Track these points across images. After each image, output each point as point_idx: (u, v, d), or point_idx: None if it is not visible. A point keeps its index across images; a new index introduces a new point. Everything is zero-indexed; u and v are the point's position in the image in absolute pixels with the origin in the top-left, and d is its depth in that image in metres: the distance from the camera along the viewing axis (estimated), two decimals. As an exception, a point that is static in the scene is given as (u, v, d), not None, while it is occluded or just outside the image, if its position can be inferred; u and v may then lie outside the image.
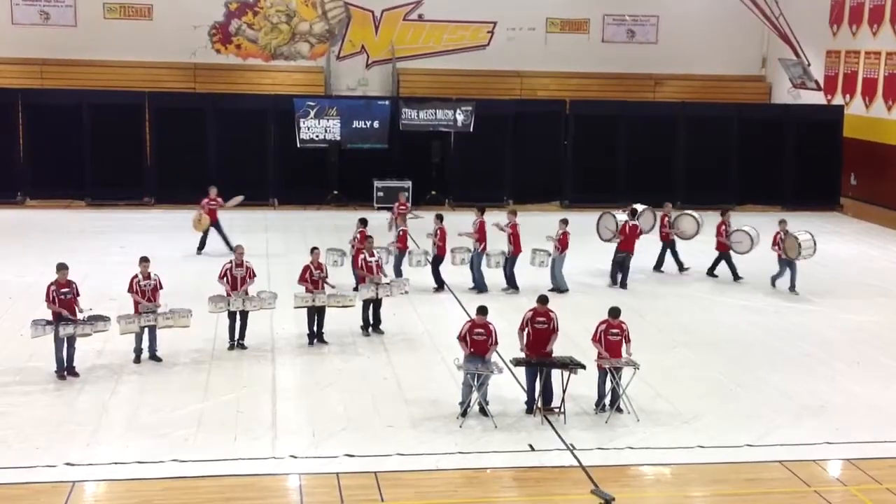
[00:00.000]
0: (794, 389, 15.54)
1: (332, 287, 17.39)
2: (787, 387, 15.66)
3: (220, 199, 23.40)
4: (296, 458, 12.62)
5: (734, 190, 31.62)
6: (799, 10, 33.43)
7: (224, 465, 12.35)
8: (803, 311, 19.92)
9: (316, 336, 17.04)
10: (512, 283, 20.51)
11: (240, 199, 23.91)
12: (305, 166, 30.03)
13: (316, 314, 16.98)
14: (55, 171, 29.09)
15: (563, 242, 20.54)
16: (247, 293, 16.74)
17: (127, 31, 34.06)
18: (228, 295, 16.63)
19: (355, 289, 18.36)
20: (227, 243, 22.44)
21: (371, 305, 17.68)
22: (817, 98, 34.25)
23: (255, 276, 17.03)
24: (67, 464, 12.22)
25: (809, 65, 33.17)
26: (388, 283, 17.94)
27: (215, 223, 23.18)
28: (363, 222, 19.83)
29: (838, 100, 34.00)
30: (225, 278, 16.70)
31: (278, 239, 24.75)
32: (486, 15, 36.19)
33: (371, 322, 17.73)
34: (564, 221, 20.87)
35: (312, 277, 16.95)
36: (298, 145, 29.86)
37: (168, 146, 29.78)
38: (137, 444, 12.81)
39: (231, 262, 16.85)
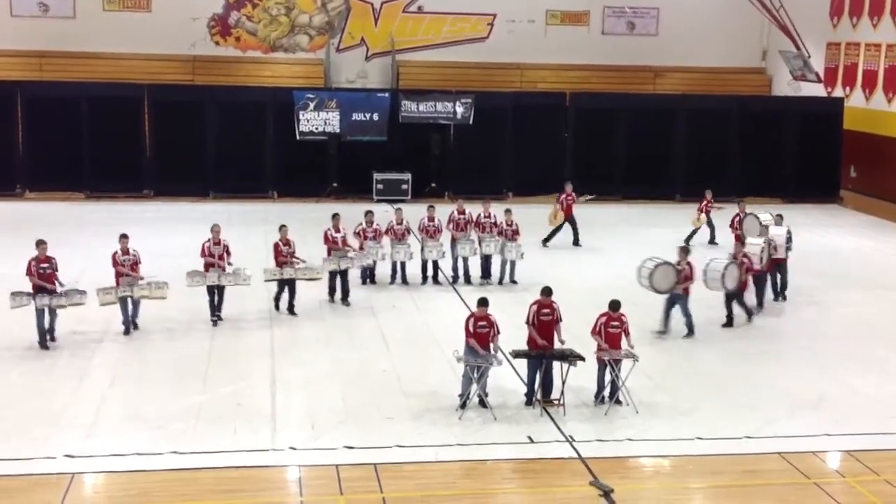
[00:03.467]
0: (793, 382, 15.55)
1: (303, 261, 18.29)
2: (786, 379, 15.67)
3: (574, 195, 24.23)
4: (295, 449, 12.63)
5: (734, 182, 31.55)
6: (799, 1, 33.35)
7: (223, 456, 12.35)
8: (802, 303, 19.91)
9: (287, 308, 18.16)
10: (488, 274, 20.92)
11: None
12: (305, 159, 29.99)
13: (287, 287, 18.04)
14: (54, 164, 29.06)
15: (517, 231, 20.81)
16: (223, 269, 17.59)
17: (126, 22, 33.98)
18: (206, 270, 17.53)
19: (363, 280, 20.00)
20: (577, 239, 24.25)
21: (338, 277, 18.87)
22: (817, 90, 34.19)
23: (230, 253, 17.86)
24: (67, 455, 12.23)
25: (810, 57, 33.11)
26: (351, 257, 19.06)
27: (570, 218, 24.15)
28: (370, 213, 20.36)
29: (838, 92, 33.95)
30: (205, 255, 17.68)
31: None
32: (485, 7, 36.12)
33: (341, 293, 18.95)
34: (510, 211, 21.15)
35: (282, 253, 18.21)
36: (298, 138, 29.82)
37: (167, 138, 29.74)
38: (136, 435, 12.81)
39: (209, 239, 17.78)
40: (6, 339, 16.31)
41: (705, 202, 24.75)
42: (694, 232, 24.55)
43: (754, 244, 18.97)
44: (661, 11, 36.91)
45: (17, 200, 28.55)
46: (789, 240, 19.71)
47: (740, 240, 19.58)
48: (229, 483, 11.75)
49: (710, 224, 24.63)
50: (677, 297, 17.35)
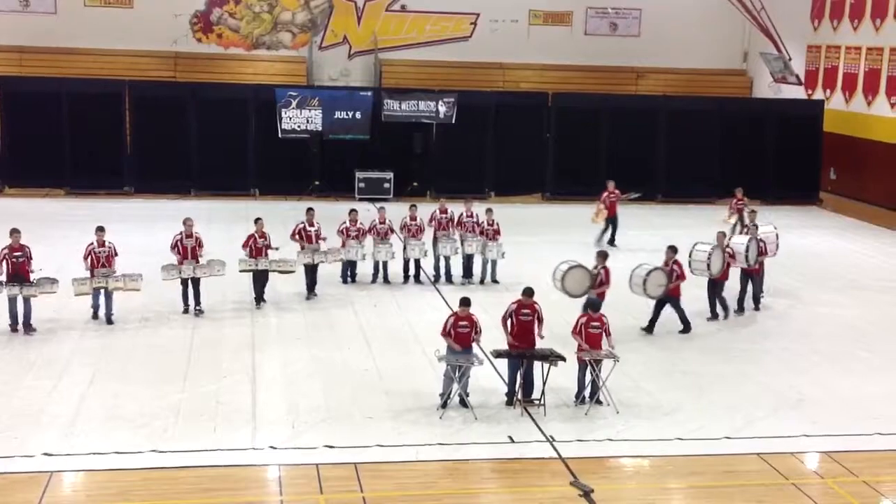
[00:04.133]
0: (772, 382, 15.63)
1: (275, 249, 18.78)
2: (766, 380, 15.75)
3: (618, 192, 24.34)
4: (275, 449, 12.60)
5: (714, 183, 31.71)
6: (780, 4, 33.56)
7: (203, 455, 12.32)
8: (782, 304, 20.02)
9: (258, 297, 18.62)
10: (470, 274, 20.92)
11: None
12: (287, 157, 29.94)
13: (261, 278, 18.55)
14: (34, 160, 28.88)
15: (498, 231, 20.86)
16: (197, 261, 17.99)
17: (107, 18, 33.83)
18: (180, 264, 17.88)
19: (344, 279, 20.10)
20: (613, 238, 24.18)
21: (311, 271, 19.29)
22: (798, 92, 34.41)
23: (202, 245, 18.27)
24: (45, 454, 12.16)
25: (790, 59, 33.32)
26: (324, 252, 19.40)
27: (613, 217, 24.32)
28: (354, 212, 20.49)
29: (819, 94, 34.17)
30: (176, 248, 18.02)
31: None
32: (468, 6, 36.17)
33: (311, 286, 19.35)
34: (491, 210, 21.21)
35: (256, 245, 18.50)
36: (280, 135, 29.75)
37: (148, 135, 29.63)
38: (116, 434, 12.75)
39: (181, 233, 18.08)
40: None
41: (736, 200, 24.63)
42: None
43: (700, 251, 18.40)
44: (643, 13, 37.07)
45: (-4, 196, 28.37)
46: (754, 250, 18.90)
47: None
48: (209, 482, 11.71)
49: (742, 222, 24.21)
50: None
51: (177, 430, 12.98)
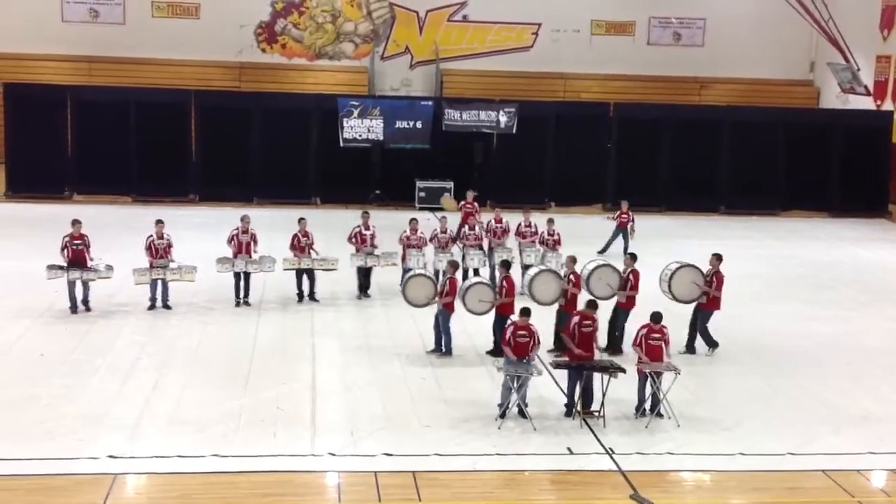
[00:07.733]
0: (836, 398, 15.34)
1: (317, 253, 19.47)
2: (830, 395, 15.46)
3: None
4: (334, 455, 12.66)
5: (780, 195, 31.28)
6: (849, 14, 33.01)
7: (263, 461, 12.42)
8: (846, 319, 19.65)
9: (308, 295, 19.31)
10: None
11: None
12: (348, 166, 30.16)
13: (305, 276, 19.29)
14: (102, 168, 29.45)
15: (559, 241, 20.77)
16: (250, 256, 18.87)
17: (174, 29, 34.47)
18: (235, 257, 18.83)
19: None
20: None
21: (365, 273, 19.90)
22: (866, 103, 33.79)
23: (257, 242, 19.19)
24: (110, 456, 12.36)
25: (859, 69, 32.75)
26: (377, 255, 19.86)
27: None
28: (415, 220, 20.52)
29: (888, 105, 33.51)
30: (232, 242, 19.00)
31: (320, 237, 24.79)
32: (530, 16, 36.15)
33: (363, 287, 19.94)
34: (552, 221, 21.12)
35: (300, 244, 19.23)
36: (341, 144, 30.00)
37: (213, 144, 30.06)
38: (178, 438, 12.92)
39: (238, 228, 19.07)
40: (51, 342, 16.57)
41: (620, 213, 24.07)
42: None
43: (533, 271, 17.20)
44: (707, 22, 36.72)
45: (65, 203, 28.92)
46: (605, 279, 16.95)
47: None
48: (269, 487, 11.81)
49: (624, 238, 23.79)
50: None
51: (237, 435, 13.12)
